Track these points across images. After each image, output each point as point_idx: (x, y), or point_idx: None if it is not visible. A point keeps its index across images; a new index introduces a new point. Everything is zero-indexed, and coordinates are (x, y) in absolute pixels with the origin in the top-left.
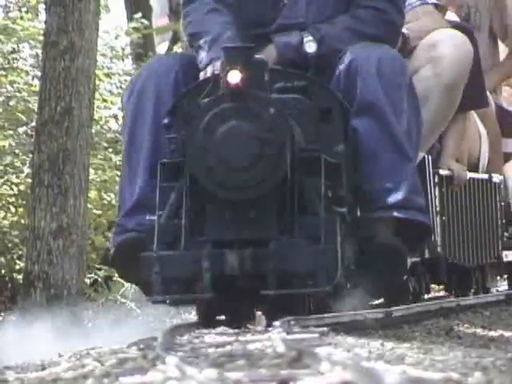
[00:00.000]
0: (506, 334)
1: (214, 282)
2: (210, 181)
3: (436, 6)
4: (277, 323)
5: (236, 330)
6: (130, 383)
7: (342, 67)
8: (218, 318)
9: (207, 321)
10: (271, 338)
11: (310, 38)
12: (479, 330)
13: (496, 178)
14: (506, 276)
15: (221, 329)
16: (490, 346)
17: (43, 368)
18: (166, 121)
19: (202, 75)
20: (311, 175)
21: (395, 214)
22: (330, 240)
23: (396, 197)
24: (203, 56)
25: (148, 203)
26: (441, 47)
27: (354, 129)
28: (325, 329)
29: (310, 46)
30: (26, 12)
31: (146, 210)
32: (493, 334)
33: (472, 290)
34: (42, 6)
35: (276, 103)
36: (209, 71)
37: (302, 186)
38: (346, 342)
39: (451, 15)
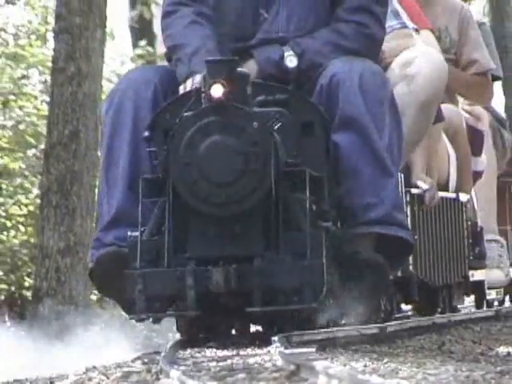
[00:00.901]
0: (496, 348)
1: (198, 300)
2: (193, 196)
3: (416, 30)
4: (275, 338)
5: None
6: None
7: (323, 81)
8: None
9: (191, 339)
10: (270, 353)
11: (291, 52)
12: (470, 345)
13: (463, 197)
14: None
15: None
16: (480, 361)
17: (51, 382)
18: (146, 134)
19: (181, 89)
20: (296, 190)
21: (377, 229)
22: (316, 255)
23: (378, 212)
24: (182, 69)
25: (127, 217)
26: (416, 64)
27: (335, 143)
28: (321, 343)
29: (291, 61)
30: (36, 39)
31: (124, 224)
32: (483, 348)
33: (439, 309)
34: (50, 34)
35: (259, 117)
36: (188, 85)
37: (287, 200)
38: (342, 357)
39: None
